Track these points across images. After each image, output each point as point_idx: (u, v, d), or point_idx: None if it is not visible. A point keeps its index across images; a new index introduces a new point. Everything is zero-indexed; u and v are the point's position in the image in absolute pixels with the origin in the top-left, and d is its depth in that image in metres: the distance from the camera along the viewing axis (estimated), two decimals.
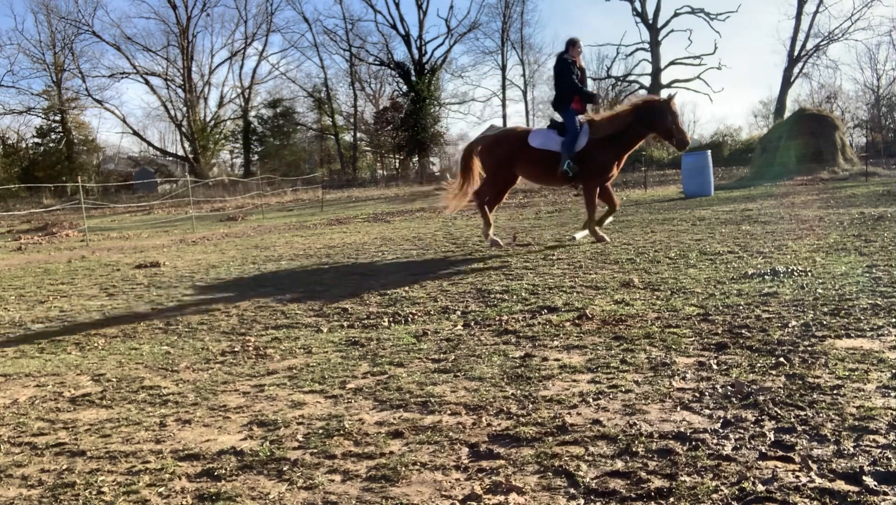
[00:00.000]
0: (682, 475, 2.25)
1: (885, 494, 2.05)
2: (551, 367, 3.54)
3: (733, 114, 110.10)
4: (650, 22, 50.41)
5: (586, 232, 8.74)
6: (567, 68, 8.23)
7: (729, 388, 3.03)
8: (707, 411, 2.80)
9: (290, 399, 3.36)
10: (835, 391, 2.89)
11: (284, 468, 2.54)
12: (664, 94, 51.39)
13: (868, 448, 2.35)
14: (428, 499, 2.24)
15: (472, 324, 4.65)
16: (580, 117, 8.20)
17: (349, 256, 9.14)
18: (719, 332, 3.96)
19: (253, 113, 56.01)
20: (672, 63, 51.53)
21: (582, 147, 8.08)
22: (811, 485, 2.13)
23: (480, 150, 8.68)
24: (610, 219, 9.03)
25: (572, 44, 8.42)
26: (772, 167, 20.65)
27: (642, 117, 8.04)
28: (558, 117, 8.40)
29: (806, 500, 2.05)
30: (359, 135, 56.04)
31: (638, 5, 50.43)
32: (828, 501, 2.04)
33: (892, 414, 2.61)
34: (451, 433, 2.76)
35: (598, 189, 8.39)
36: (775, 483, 2.15)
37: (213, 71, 55.54)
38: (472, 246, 9.19)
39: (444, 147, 52.14)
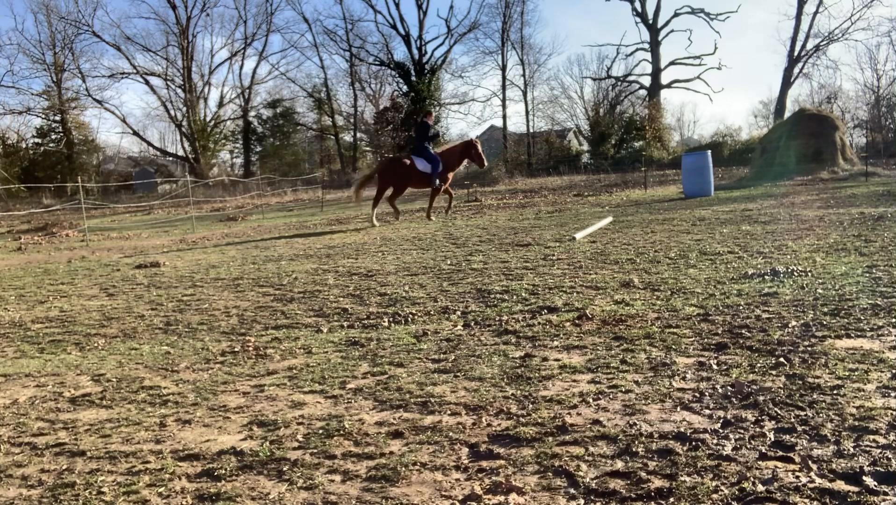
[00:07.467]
0: (682, 475, 2.25)
1: (885, 494, 2.05)
2: (551, 367, 3.54)
3: (733, 114, 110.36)
4: (650, 22, 50.40)
5: (586, 232, 8.78)
6: None
7: (729, 388, 3.03)
8: (707, 411, 2.80)
9: (290, 399, 3.36)
10: (835, 391, 2.89)
11: (284, 468, 2.54)
12: (664, 94, 51.28)
13: (868, 448, 2.35)
14: (428, 499, 2.24)
15: (472, 324, 4.65)
16: None
17: (349, 256, 9.14)
18: (719, 332, 3.96)
19: (253, 113, 55.94)
20: (672, 63, 51.54)
21: None
22: (811, 485, 2.13)
23: None
24: None
25: None
26: (772, 167, 20.63)
27: None
28: None
29: (806, 500, 2.05)
30: (359, 135, 55.98)
31: (638, 5, 50.43)
32: (828, 501, 2.04)
33: (892, 414, 2.61)
34: (451, 433, 2.76)
35: None
36: (775, 483, 2.15)
37: (213, 71, 55.39)
38: (472, 246, 9.19)
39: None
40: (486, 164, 15.58)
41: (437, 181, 14.44)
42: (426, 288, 6.17)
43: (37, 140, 52.31)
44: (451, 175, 14.85)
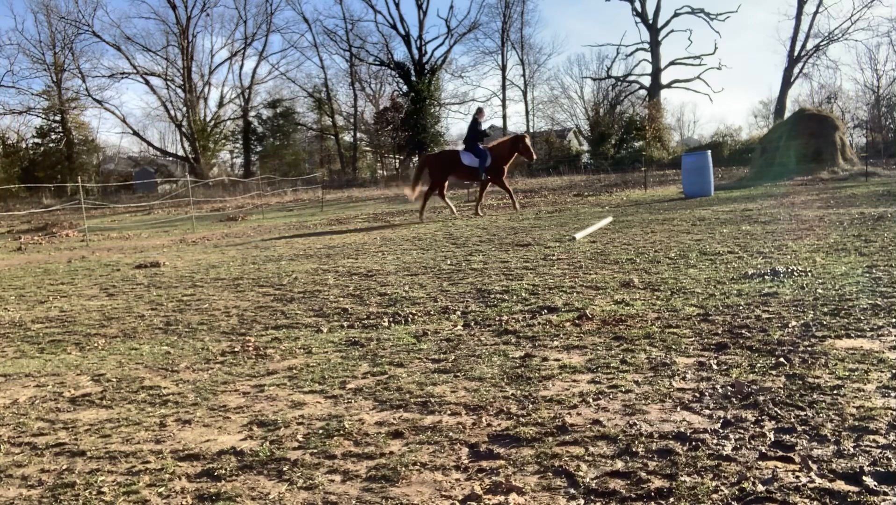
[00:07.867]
0: (682, 475, 2.25)
1: (885, 494, 2.05)
2: (551, 367, 3.54)
3: (733, 114, 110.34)
4: (650, 22, 50.42)
5: (586, 232, 8.80)
6: None
7: (729, 388, 3.03)
8: (707, 411, 2.80)
9: (290, 399, 3.36)
10: (835, 391, 2.89)
11: (284, 468, 2.54)
12: (664, 94, 51.25)
13: (868, 448, 2.35)
14: (428, 499, 2.24)
15: (472, 324, 4.65)
16: None
17: (349, 256, 9.14)
18: (719, 332, 3.96)
19: (253, 113, 55.93)
20: (672, 63, 51.58)
21: None
22: (811, 485, 2.13)
23: None
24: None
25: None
26: (772, 167, 20.62)
27: None
28: None
29: (806, 500, 2.05)
30: (359, 135, 56.00)
31: (638, 5, 50.45)
32: (828, 501, 2.04)
33: (892, 414, 2.61)
34: (451, 433, 2.76)
35: None
36: (775, 483, 2.15)
37: (213, 71, 55.41)
38: (472, 246, 9.19)
39: (445, 147, 52.13)
40: (535, 157, 16.20)
41: (485, 175, 15.08)
42: (426, 288, 6.17)
43: (37, 140, 52.32)
44: (505, 168, 15.42)
